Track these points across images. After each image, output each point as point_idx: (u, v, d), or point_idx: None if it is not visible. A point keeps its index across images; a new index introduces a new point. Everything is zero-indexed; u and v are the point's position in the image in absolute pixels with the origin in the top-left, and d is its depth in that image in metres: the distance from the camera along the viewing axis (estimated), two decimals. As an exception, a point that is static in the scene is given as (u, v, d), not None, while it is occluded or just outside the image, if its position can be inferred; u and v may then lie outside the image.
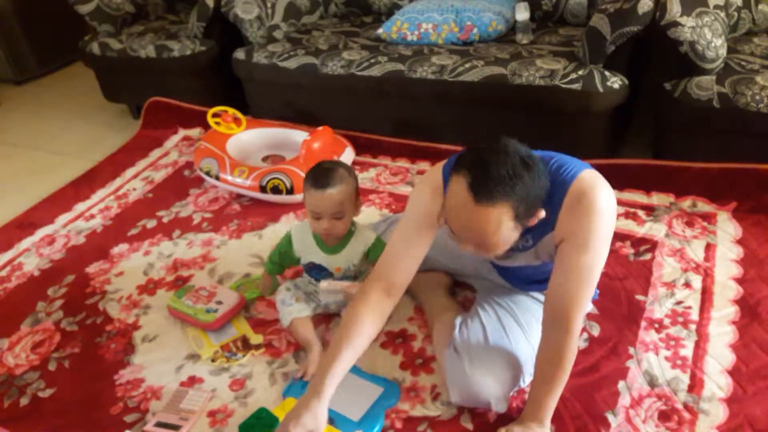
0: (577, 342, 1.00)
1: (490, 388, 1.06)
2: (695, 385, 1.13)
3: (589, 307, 1.28)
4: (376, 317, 1.04)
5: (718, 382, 1.13)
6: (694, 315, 1.28)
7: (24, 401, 1.29)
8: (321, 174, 1.21)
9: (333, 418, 1.12)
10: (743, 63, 1.61)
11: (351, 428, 1.10)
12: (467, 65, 1.83)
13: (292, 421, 0.96)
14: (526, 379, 1.12)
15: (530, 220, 0.91)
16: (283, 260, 1.38)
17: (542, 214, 0.92)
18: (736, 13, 1.76)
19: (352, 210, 1.25)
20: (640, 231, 1.54)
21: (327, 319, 1.37)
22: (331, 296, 1.25)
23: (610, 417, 1.09)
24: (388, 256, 1.08)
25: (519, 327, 1.13)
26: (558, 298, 0.98)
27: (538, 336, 1.12)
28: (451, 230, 0.92)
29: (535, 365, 1.03)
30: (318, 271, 1.32)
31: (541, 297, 1.17)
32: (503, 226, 0.86)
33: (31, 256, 1.77)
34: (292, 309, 1.32)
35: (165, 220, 1.86)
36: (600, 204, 0.93)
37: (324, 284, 1.24)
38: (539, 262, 1.09)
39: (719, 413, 1.08)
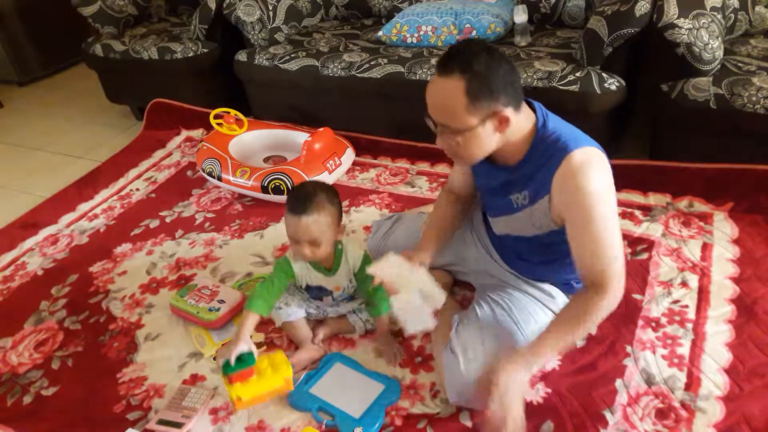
0: (609, 302, 1.01)
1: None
2: (692, 383, 1.14)
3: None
4: (452, 208, 1.30)
5: (714, 381, 1.14)
6: (691, 314, 1.29)
7: (27, 399, 1.30)
8: (299, 199, 1.16)
9: (334, 415, 1.14)
10: (740, 64, 1.62)
11: (352, 425, 1.12)
12: (467, 67, 1.84)
13: (414, 255, 1.18)
14: (522, 377, 1.14)
15: (485, 104, 0.95)
16: (280, 282, 1.24)
17: (506, 113, 0.97)
18: (733, 15, 1.77)
19: (332, 236, 1.19)
20: (637, 231, 1.55)
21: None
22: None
23: (607, 415, 1.10)
24: (451, 174, 1.32)
25: (515, 324, 1.14)
26: (586, 268, 1.02)
27: (533, 334, 1.13)
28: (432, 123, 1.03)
29: (560, 312, 1.07)
30: (318, 292, 1.30)
31: (537, 293, 1.18)
32: (457, 100, 0.95)
33: (34, 255, 1.79)
34: (282, 312, 1.29)
35: (168, 220, 1.88)
36: (591, 187, 0.97)
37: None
38: (533, 230, 1.11)
39: (716, 411, 1.09)
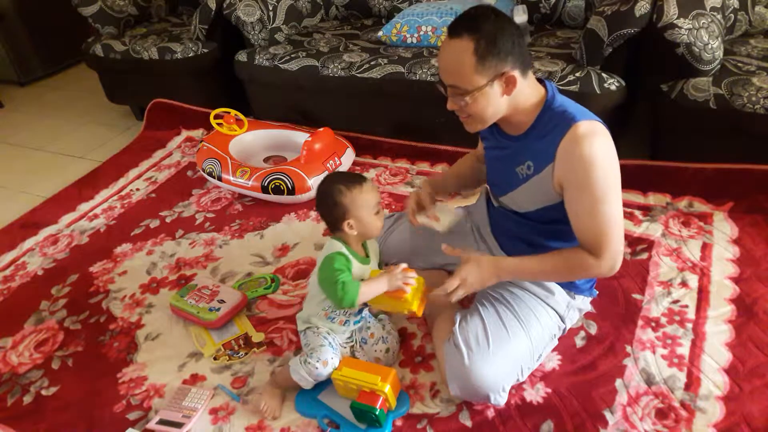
0: (602, 269, 1.04)
1: (489, 382, 1.07)
2: (692, 383, 1.15)
3: (588, 307, 1.29)
4: (471, 160, 1.36)
5: (714, 381, 1.15)
6: (691, 314, 1.29)
7: (27, 399, 1.30)
8: (348, 175, 1.18)
9: (339, 424, 1.13)
10: (740, 64, 1.62)
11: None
12: (467, 67, 1.84)
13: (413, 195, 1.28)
14: (525, 373, 1.14)
15: (493, 64, 0.98)
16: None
17: (513, 74, 0.99)
18: (732, 15, 1.77)
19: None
20: (637, 231, 1.55)
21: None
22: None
23: (607, 414, 1.10)
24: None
25: (518, 321, 1.14)
26: (583, 231, 1.04)
27: (536, 331, 1.14)
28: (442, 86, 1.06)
29: (552, 255, 1.09)
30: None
31: (537, 289, 1.18)
32: (465, 60, 0.97)
33: (34, 255, 1.79)
34: (319, 372, 1.13)
35: (168, 220, 1.88)
36: (594, 153, 0.98)
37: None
38: (536, 203, 1.11)
39: (716, 411, 1.09)
